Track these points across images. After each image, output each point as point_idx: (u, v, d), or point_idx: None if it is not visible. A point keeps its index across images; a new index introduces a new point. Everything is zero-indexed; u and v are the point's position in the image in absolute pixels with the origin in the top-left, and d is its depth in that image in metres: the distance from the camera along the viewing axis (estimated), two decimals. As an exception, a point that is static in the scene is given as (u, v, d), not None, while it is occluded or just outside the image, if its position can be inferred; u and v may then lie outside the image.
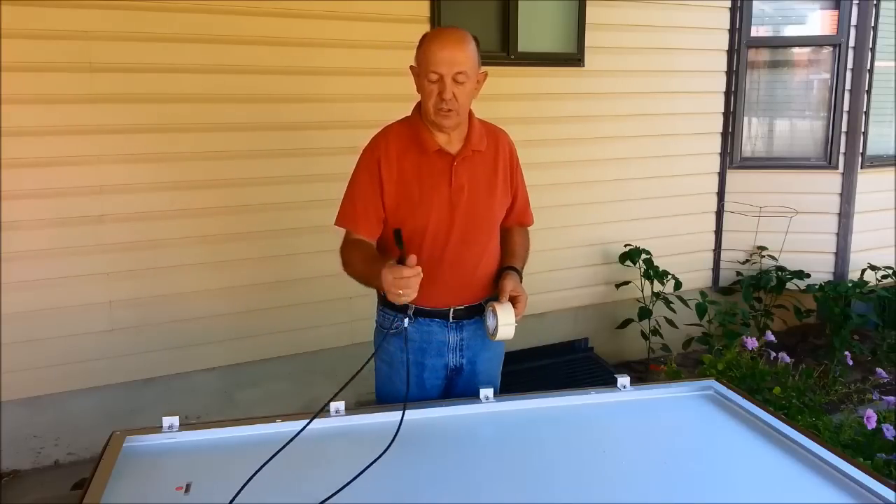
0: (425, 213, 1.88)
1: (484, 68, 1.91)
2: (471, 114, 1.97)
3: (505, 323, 1.82)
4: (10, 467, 3.09)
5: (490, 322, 1.87)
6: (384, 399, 2.03)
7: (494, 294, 1.93)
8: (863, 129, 4.61)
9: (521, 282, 1.96)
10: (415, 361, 1.97)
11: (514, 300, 1.87)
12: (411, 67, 1.90)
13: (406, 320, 1.87)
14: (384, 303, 1.98)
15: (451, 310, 1.96)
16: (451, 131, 1.90)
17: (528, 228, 2.18)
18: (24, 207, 2.94)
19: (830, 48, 4.60)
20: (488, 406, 1.81)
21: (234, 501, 1.35)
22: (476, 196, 1.93)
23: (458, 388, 2.04)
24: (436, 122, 1.86)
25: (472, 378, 2.03)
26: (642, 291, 4.21)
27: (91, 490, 1.38)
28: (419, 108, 1.92)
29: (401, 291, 1.61)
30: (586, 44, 4.00)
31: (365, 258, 1.85)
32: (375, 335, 2.07)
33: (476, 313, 1.98)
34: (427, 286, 1.87)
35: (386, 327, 1.98)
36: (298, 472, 1.48)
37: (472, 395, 1.93)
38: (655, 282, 4.15)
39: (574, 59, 4.01)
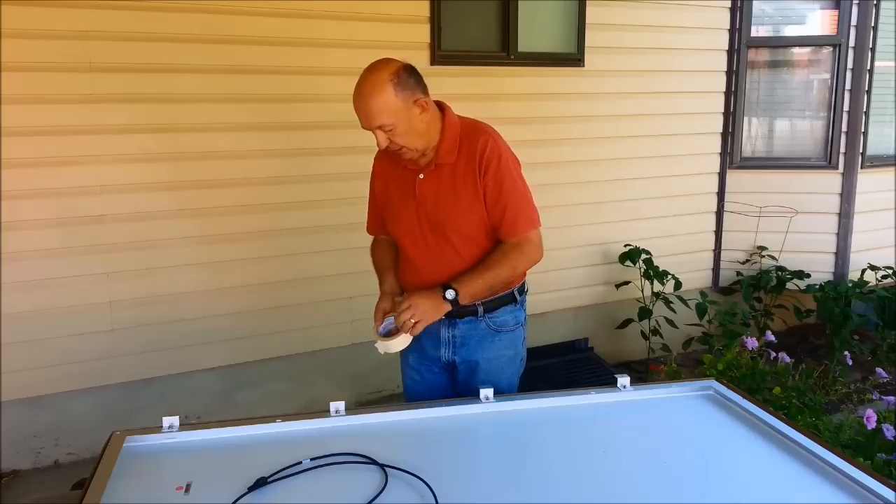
0: (402, 222, 1.99)
1: (420, 95, 1.80)
2: (447, 124, 1.91)
3: (386, 350, 1.86)
4: (10, 467, 3.09)
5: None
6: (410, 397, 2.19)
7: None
8: (863, 129, 4.61)
9: (445, 293, 1.86)
10: (414, 351, 2.03)
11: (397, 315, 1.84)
12: None
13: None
14: None
15: None
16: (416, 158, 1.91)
17: (523, 238, 1.94)
18: (24, 207, 2.94)
19: (830, 48, 4.59)
20: (488, 406, 1.81)
21: (238, 502, 1.35)
22: (440, 207, 1.92)
23: (459, 385, 2.07)
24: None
25: (473, 376, 2.03)
26: (642, 291, 4.21)
27: (91, 490, 1.38)
28: None
29: None
30: (586, 44, 4.00)
31: (378, 265, 2.10)
32: None
33: (468, 313, 1.98)
34: (413, 286, 1.96)
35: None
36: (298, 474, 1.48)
37: (472, 395, 1.93)
38: (655, 282, 4.15)
39: (574, 59, 4.01)
